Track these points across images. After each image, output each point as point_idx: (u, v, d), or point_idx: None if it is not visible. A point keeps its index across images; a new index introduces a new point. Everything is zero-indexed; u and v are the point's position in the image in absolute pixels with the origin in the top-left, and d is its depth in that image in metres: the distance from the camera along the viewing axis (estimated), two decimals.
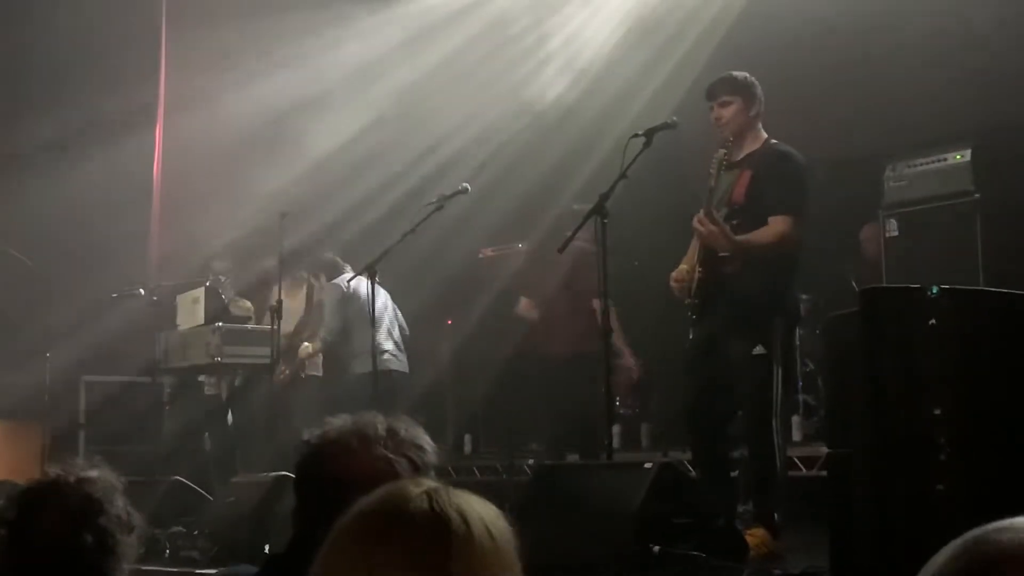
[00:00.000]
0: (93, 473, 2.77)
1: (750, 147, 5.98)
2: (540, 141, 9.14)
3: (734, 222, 5.79)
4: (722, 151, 5.87)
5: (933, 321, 3.69)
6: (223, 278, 8.55)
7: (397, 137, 9.65)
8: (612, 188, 6.06)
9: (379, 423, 2.41)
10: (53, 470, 2.80)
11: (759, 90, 5.98)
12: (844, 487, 4.20)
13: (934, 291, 3.69)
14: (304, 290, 8.65)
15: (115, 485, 2.78)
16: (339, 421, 2.46)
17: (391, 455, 2.35)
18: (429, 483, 1.55)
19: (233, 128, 9.72)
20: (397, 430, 2.40)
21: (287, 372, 8.33)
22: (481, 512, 1.52)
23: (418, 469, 2.35)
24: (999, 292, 3.97)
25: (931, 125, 7.74)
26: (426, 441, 2.43)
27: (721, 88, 5.97)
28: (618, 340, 7.46)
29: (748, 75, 6.00)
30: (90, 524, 2.69)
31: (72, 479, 2.74)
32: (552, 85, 9.16)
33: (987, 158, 7.35)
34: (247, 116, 9.73)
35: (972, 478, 3.68)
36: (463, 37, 9.46)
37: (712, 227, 5.69)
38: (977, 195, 7.27)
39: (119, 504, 2.76)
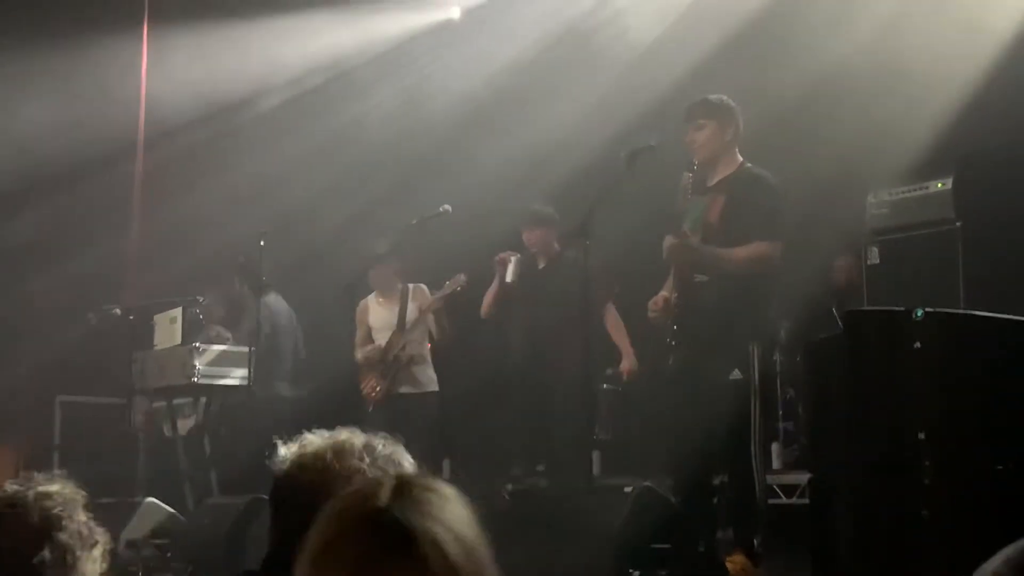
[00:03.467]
0: (52, 487, 2.70)
1: (724, 171, 5.97)
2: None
3: (708, 246, 5.79)
4: (687, 175, 5.85)
5: (918, 344, 3.66)
6: (201, 298, 8.47)
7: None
8: (592, 210, 6.06)
9: (356, 438, 2.37)
10: (11, 486, 2.73)
11: (737, 114, 5.97)
12: (826, 513, 4.17)
13: (919, 314, 3.66)
14: (399, 300, 8.05)
15: (76, 499, 2.71)
16: (316, 436, 2.42)
17: (368, 471, 2.30)
18: (401, 480, 1.53)
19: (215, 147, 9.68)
20: (375, 446, 2.36)
21: (379, 389, 7.87)
22: (451, 516, 1.50)
23: None
24: (984, 316, 3.96)
25: (913, 153, 7.74)
26: (405, 458, 2.39)
27: (696, 111, 5.97)
28: (620, 339, 7.43)
29: (725, 98, 5.99)
30: (50, 540, 2.62)
31: (31, 494, 2.67)
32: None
33: (968, 187, 7.34)
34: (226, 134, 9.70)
35: (956, 503, 3.66)
36: None
37: (681, 242, 5.68)
38: (958, 223, 7.26)
39: (80, 519, 2.69)
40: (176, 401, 8.74)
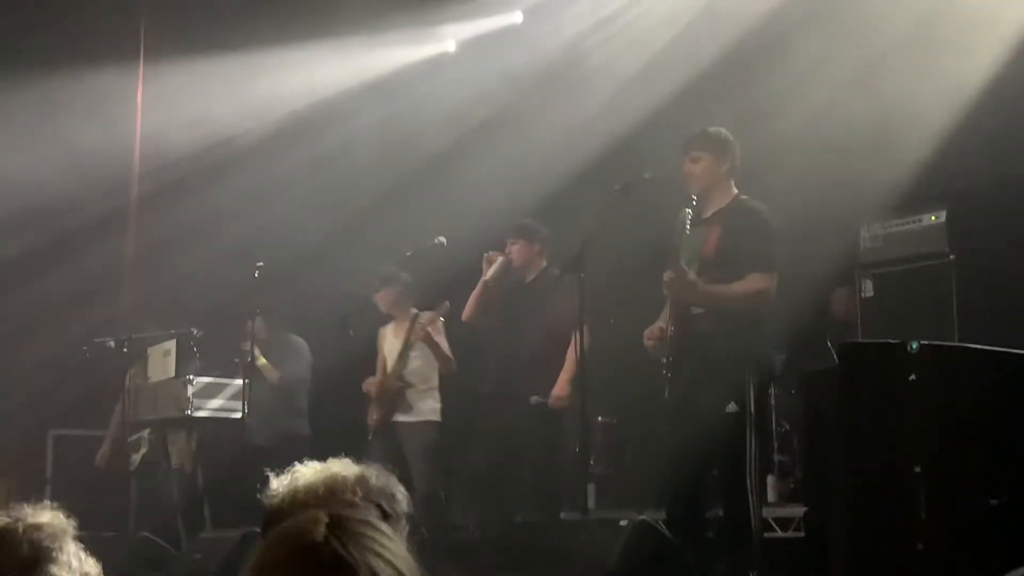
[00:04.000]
0: (42, 519, 2.67)
1: (719, 203, 5.99)
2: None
3: (704, 278, 5.79)
4: (687, 210, 5.86)
5: (913, 377, 3.65)
6: (195, 331, 8.44)
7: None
8: (587, 242, 6.07)
9: (348, 471, 2.35)
10: (0, 518, 2.70)
11: (733, 147, 5.99)
12: (822, 546, 4.15)
13: (914, 346, 3.66)
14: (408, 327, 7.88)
15: (65, 530, 2.68)
16: (308, 468, 2.40)
17: (360, 503, 2.28)
18: (336, 515, 1.52)
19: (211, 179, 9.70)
20: (367, 477, 2.34)
21: (375, 418, 7.85)
22: (389, 551, 1.50)
23: (388, 518, 2.29)
24: (979, 348, 3.95)
25: (907, 186, 7.76)
26: (399, 489, 2.37)
27: (693, 143, 6.00)
28: (567, 365, 7.13)
29: (723, 131, 6.01)
30: (40, 572, 2.59)
31: (20, 526, 2.65)
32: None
33: (962, 219, 7.36)
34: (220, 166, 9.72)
35: (952, 537, 3.64)
36: None
37: (680, 278, 5.69)
38: (952, 256, 7.27)
39: (70, 550, 2.66)
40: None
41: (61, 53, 9.36)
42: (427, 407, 7.86)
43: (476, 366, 7.83)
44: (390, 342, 8.01)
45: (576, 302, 6.12)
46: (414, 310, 7.82)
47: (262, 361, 8.24)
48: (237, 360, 8.44)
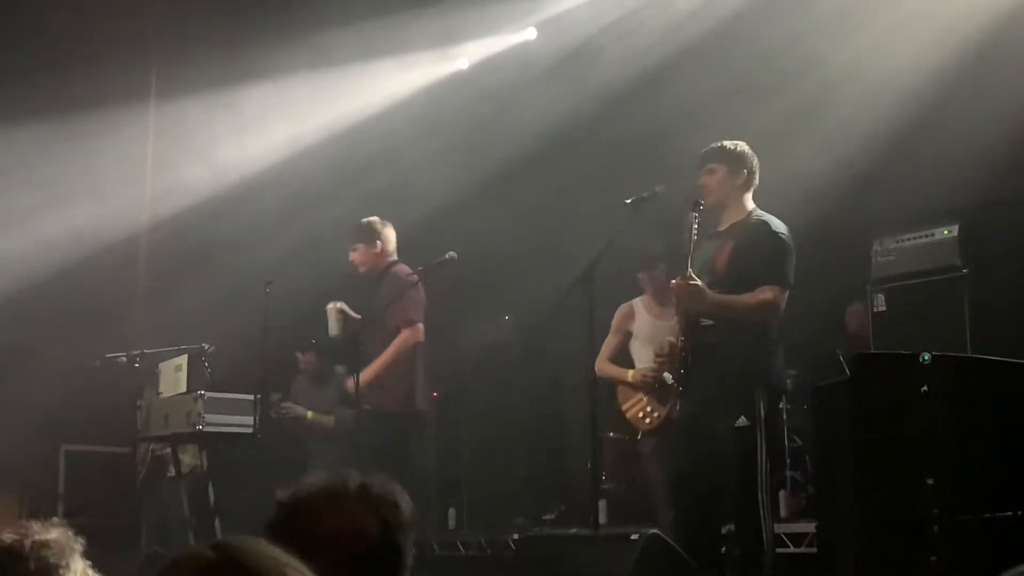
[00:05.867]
0: (50, 535, 2.67)
1: (734, 217, 5.96)
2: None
3: (716, 291, 5.76)
4: (693, 214, 5.84)
5: (925, 388, 3.63)
6: (206, 346, 8.43)
7: None
8: (599, 257, 6.06)
9: (351, 480, 2.32)
10: (8, 535, 2.69)
11: (750, 160, 5.97)
12: (834, 561, 4.12)
13: (926, 358, 3.64)
14: None
15: (73, 547, 2.68)
16: (314, 479, 2.38)
17: (360, 514, 2.26)
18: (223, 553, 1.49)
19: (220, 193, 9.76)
20: (370, 487, 2.32)
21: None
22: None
23: (390, 528, 2.27)
24: (991, 359, 3.93)
25: (919, 201, 7.74)
26: (403, 499, 2.35)
27: (709, 155, 5.99)
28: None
29: (742, 144, 6.00)
30: None
31: (27, 543, 2.64)
32: None
33: (975, 234, 7.35)
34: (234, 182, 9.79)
35: (965, 549, 3.61)
36: None
37: (687, 285, 5.66)
38: (965, 271, 7.26)
39: (77, 568, 2.65)
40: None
41: (80, 91, 9.51)
42: None
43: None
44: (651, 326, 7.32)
45: (588, 317, 6.09)
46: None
47: (311, 415, 8.47)
48: (274, 415, 8.58)
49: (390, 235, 7.63)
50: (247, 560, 1.43)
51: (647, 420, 6.88)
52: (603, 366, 7.22)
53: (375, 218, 7.67)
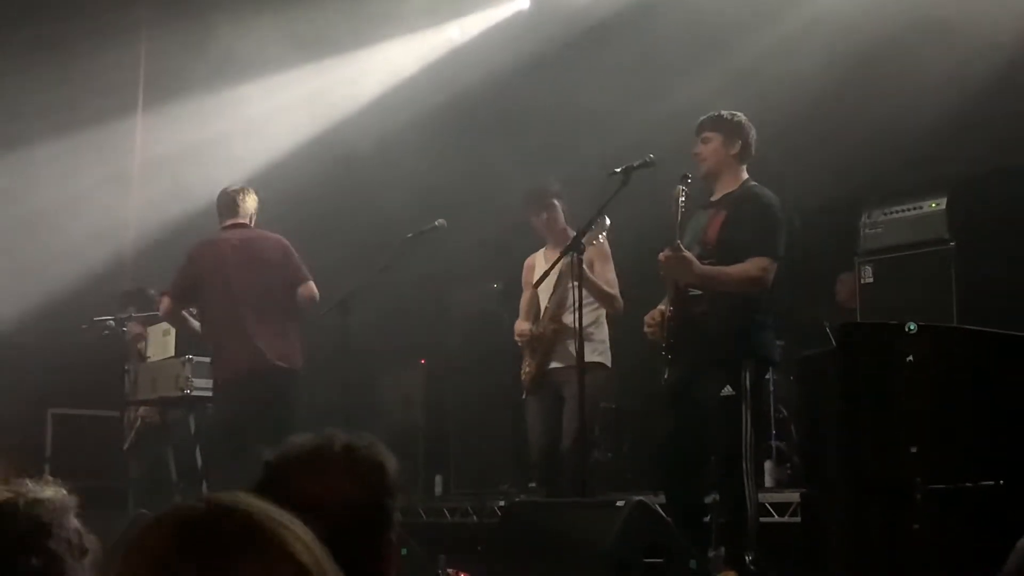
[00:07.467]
0: (44, 494, 2.66)
1: (728, 187, 5.97)
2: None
3: (706, 262, 5.77)
4: (680, 187, 5.85)
5: (911, 358, 3.65)
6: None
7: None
8: (588, 225, 6.07)
9: (337, 441, 2.33)
10: (1, 492, 2.68)
11: (746, 130, 5.96)
12: (818, 528, 4.15)
13: (912, 327, 3.66)
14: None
15: (67, 506, 2.67)
16: (300, 439, 2.38)
17: (345, 474, 2.27)
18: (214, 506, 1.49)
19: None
20: (356, 448, 2.32)
21: (531, 370, 6.98)
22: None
23: (375, 488, 2.28)
24: (976, 330, 3.95)
25: (907, 173, 7.76)
26: (388, 460, 2.36)
27: (705, 124, 5.99)
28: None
29: (739, 114, 5.99)
30: (38, 548, 2.58)
31: (21, 501, 2.63)
32: None
33: (962, 206, 7.36)
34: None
35: (948, 517, 3.64)
36: None
37: (675, 256, 5.67)
38: (952, 243, 7.28)
39: (70, 527, 2.64)
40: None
41: (71, 97, 9.64)
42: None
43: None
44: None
45: (577, 285, 6.09)
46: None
47: None
48: None
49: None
50: (240, 512, 1.43)
51: (523, 377, 7.03)
52: (517, 325, 7.18)
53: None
